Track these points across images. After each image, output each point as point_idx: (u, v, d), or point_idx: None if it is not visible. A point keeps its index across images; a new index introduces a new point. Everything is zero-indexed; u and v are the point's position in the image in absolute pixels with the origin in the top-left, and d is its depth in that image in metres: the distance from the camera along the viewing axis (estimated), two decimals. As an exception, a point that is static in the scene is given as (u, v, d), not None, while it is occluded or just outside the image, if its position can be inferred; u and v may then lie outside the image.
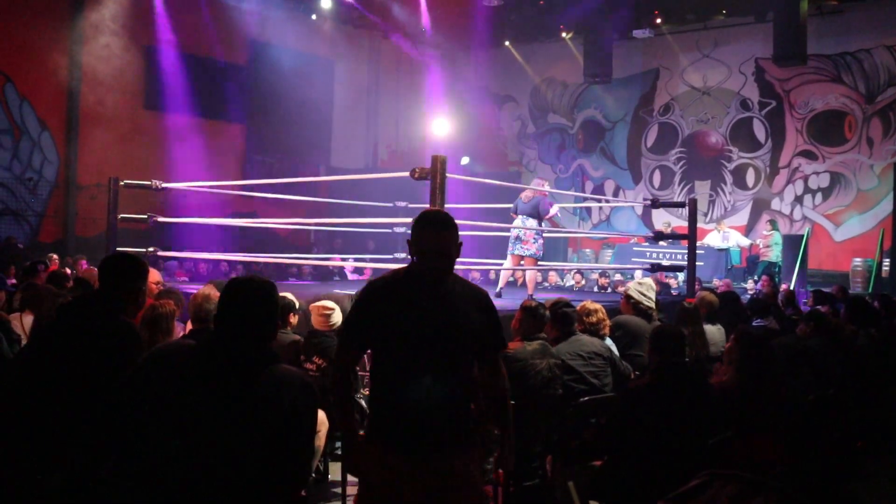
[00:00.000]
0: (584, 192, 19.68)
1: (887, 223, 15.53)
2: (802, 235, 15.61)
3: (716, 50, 18.55)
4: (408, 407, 2.94)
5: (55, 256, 11.08)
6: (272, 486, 2.41)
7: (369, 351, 3.27)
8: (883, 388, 5.14)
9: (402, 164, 16.00)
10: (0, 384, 3.34)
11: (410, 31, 19.02)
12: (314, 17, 17.95)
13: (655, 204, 10.47)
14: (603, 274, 14.80)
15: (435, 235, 2.99)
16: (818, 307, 8.08)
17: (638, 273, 12.46)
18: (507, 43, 20.39)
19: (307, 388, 2.51)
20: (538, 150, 21.34)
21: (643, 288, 6.26)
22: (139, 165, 14.50)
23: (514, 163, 21.52)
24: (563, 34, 19.47)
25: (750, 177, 18.15)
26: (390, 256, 10.20)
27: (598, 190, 20.06)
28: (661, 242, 15.58)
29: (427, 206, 6.38)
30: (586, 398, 4.93)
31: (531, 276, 9.62)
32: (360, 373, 5.87)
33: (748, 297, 11.59)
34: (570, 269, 15.29)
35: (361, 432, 3.12)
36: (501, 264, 9.74)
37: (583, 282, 15.10)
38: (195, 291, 4.94)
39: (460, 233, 3.06)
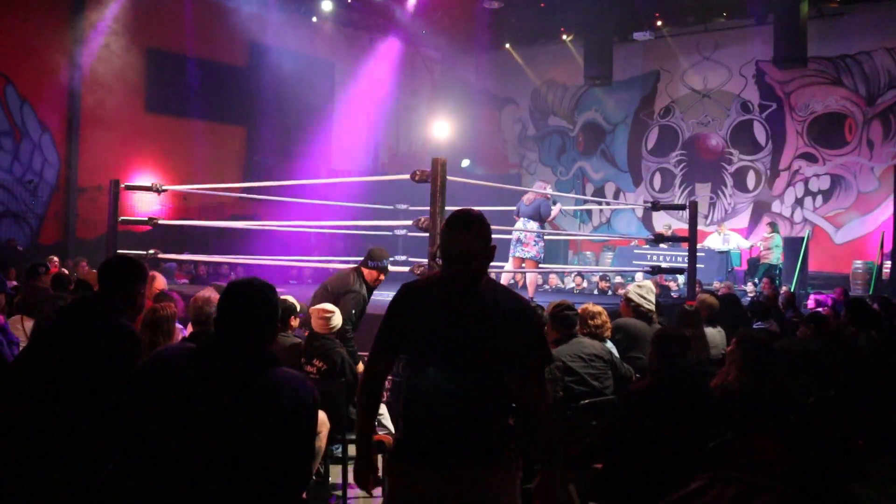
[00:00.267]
0: (584, 194, 19.70)
1: (887, 225, 15.53)
2: (803, 238, 15.62)
3: (716, 52, 18.56)
4: (432, 418, 2.80)
5: (56, 259, 11.09)
6: (272, 488, 2.41)
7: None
8: (884, 389, 5.14)
9: (402, 167, 16.03)
10: (3, 385, 3.35)
11: (411, 33, 19.04)
12: (315, 19, 17.97)
13: (656, 206, 10.46)
14: (603, 276, 14.80)
15: (453, 237, 2.81)
16: (818, 310, 8.09)
17: (638, 275, 12.46)
18: (507, 45, 20.41)
19: (307, 390, 2.51)
20: (539, 152, 21.34)
21: (643, 291, 6.25)
22: (140, 168, 14.54)
23: (515, 165, 21.53)
24: (564, 36, 19.49)
25: (750, 179, 18.16)
26: (390, 259, 10.19)
27: (599, 192, 20.07)
28: (662, 245, 15.56)
29: (427, 208, 6.38)
30: (587, 401, 4.93)
31: (531, 278, 9.61)
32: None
33: (748, 299, 11.59)
34: (571, 272, 15.28)
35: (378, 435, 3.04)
36: (502, 267, 9.74)
37: (583, 284, 15.10)
38: (195, 294, 4.93)
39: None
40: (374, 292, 6.44)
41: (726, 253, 15.95)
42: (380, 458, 3.50)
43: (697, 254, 9.51)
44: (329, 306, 5.56)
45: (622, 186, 20.00)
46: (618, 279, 14.84)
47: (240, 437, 2.37)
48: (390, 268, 6.60)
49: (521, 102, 21.58)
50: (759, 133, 18.10)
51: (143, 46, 15.60)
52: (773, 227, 15.87)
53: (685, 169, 19.04)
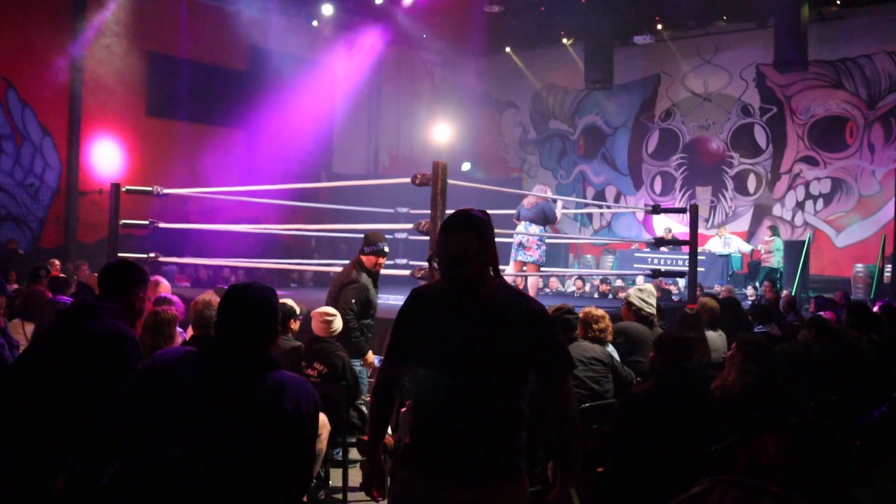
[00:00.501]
0: (585, 197, 19.69)
1: (889, 229, 15.52)
2: (804, 241, 15.61)
3: (717, 56, 18.57)
4: (436, 426, 2.70)
5: (57, 262, 11.08)
6: (273, 491, 2.41)
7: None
8: (885, 393, 5.13)
9: (403, 170, 16.01)
10: (2, 388, 3.35)
11: (411, 37, 19.05)
12: (315, 23, 17.98)
13: (656, 210, 10.47)
14: (604, 280, 14.79)
15: (446, 239, 2.70)
16: (820, 313, 8.08)
17: (639, 279, 12.46)
18: (507, 49, 20.42)
19: (308, 393, 2.51)
20: (539, 155, 21.35)
21: (644, 294, 6.25)
22: (141, 171, 14.55)
23: (516, 169, 21.53)
24: (564, 40, 19.49)
25: (751, 183, 18.16)
26: (391, 262, 10.20)
27: (600, 196, 20.06)
28: (663, 248, 15.56)
29: (428, 211, 6.39)
30: (587, 404, 4.92)
31: (532, 281, 9.60)
32: (369, 379, 5.88)
33: (749, 303, 11.58)
34: (571, 275, 15.28)
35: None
36: (503, 270, 9.74)
37: (584, 288, 15.10)
38: (196, 298, 4.94)
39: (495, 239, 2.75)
40: (391, 298, 6.40)
41: (727, 256, 15.94)
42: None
43: (698, 257, 9.51)
44: (330, 310, 5.57)
45: (623, 190, 20.00)
46: (618, 283, 14.83)
47: (240, 441, 2.37)
48: (393, 272, 6.60)
49: (522, 106, 21.59)
50: (760, 136, 18.10)
51: (143, 50, 15.61)
52: (774, 231, 15.85)
53: (686, 172, 19.04)
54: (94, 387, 3.13)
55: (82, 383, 3.16)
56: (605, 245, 18.67)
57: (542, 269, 9.52)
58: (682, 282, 13.46)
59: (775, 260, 15.27)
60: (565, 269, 16.74)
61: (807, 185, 17.37)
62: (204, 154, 16.09)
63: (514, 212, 9.40)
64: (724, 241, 16.30)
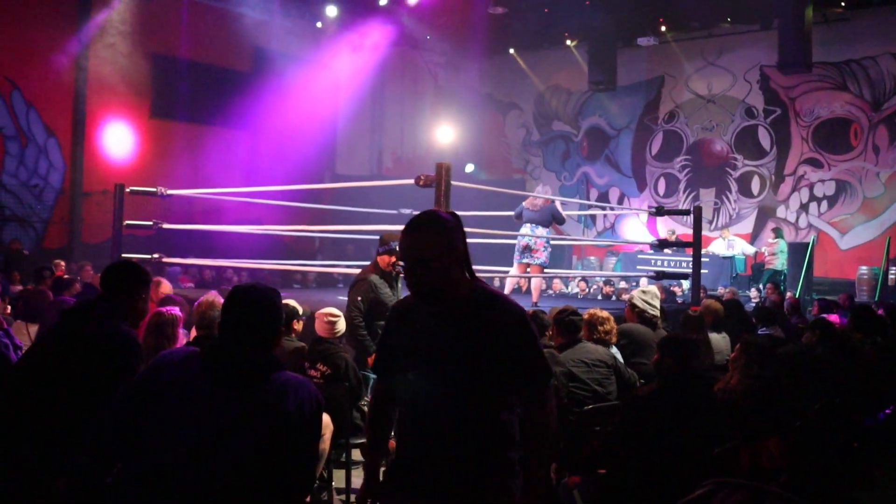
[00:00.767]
0: (588, 199, 19.68)
1: (893, 231, 15.52)
2: (808, 243, 15.58)
3: (721, 58, 18.55)
4: (412, 444, 2.60)
5: (62, 263, 11.10)
6: (276, 492, 2.41)
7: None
8: (889, 395, 5.11)
9: (406, 172, 16.01)
10: (5, 389, 3.36)
11: (415, 38, 19.06)
12: (319, 24, 18.00)
13: (660, 212, 10.46)
14: (608, 282, 14.78)
15: (408, 239, 2.54)
16: (823, 315, 8.06)
17: (643, 281, 12.44)
18: (511, 50, 20.43)
19: (311, 394, 2.51)
20: (543, 157, 21.35)
21: (648, 296, 6.24)
22: (144, 172, 14.57)
23: (519, 170, 21.53)
24: (568, 42, 19.49)
25: (755, 184, 18.14)
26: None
27: (603, 197, 20.05)
28: (666, 250, 15.54)
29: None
30: (591, 406, 4.92)
31: (536, 283, 9.59)
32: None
33: (752, 305, 11.56)
34: (575, 277, 15.26)
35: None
36: (507, 272, 9.72)
37: (587, 289, 15.09)
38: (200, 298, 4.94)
39: (466, 240, 2.72)
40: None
41: (731, 258, 15.93)
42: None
43: (702, 259, 9.49)
44: (333, 310, 5.57)
45: (626, 192, 19.99)
46: (622, 284, 14.82)
47: (243, 441, 2.37)
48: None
49: (526, 107, 21.59)
50: (764, 138, 18.08)
51: (148, 52, 15.64)
52: (778, 233, 15.84)
53: (689, 174, 19.03)
54: (96, 387, 3.13)
55: (84, 384, 3.17)
56: (609, 247, 18.66)
57: (545, 270, 9.51)
58: (685, 283, 13.45)
59: (779, 262, 15.25)
60: (569, 270, 16.73)
61: (811, 186, 17.35)
62: (207, 155, 16.12)
63: (514, 212, 9.33)
64: (728, 243, 16.28)
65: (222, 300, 3.14)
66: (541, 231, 9.07)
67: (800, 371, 5.25)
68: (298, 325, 5.62)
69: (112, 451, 2.53)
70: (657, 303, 6.27)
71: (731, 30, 18.09)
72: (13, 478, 3.13)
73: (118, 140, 15.43)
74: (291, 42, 17.16)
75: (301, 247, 16.58)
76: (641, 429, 3.84)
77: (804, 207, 17.40)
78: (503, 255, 9.96)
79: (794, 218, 17.49)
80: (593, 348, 5.25)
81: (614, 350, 5.53)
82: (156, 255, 8.33)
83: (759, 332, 7.07)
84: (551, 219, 9.15)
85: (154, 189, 8.29)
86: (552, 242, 9.53)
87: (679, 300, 13.17)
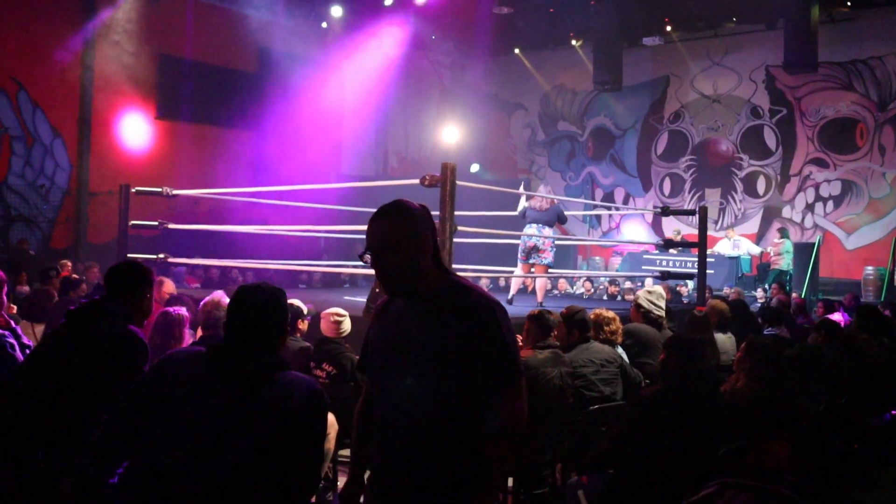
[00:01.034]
0: (593, 199, 19.66)
1: (899, 231, 15.47)
2: (813, 244, 15.54)
3: (726, 57, 18.51)
4: (383, 448, 2.52)
5: (68, 263, 11.12)
6: (281, 491, 2.41)
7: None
8: (895, 397, 5.11)
9: (411, 172, 16.03)
10: (11, 389, 3.37)
11: (420, 38, 19.06)
12: (324, 24, 18.01)
13: (665, 212, 10.45)
14: (613, 282, 14.77)
15: (370, 228, 2.45)
16: (827, 316, 8.05)
17: (648, 281, 12.42)
18: (516, 50, 20.41)
19: (316, 394, 2.51)
20: (548, 157, 21.33)
21: (653, 297, 6.24)
22: (150, 172, 14.60)
23: (524, 170, 21.50)
24: (573, 42, 19.48)
25: (760, 185, 18.10)
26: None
27: (608, 198, 20.03)
28: (671, 250, 15.53)
29: (437, 213, 6.38)
30: (596, 406, 4.92)
31: (541, 283, 9.59)
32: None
33: (758, 306, 11.55)
34: (580, 277, 15.25)
35: None
36: (511, 271, 9.72)
37: (592, 289, 15.08)
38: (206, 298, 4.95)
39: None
40: None
41: (736, 259, 15.89)
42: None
43: (707, 259, 9.48)
44: (339, 310, 5.57)
45: (632, 192, 19.96)
46: (627, 284, 14.81)
47: (249, 441, 2.37)
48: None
49: (531, 107, 21.58)
50: (770, 138, 18.04)
51: (153, 52, 15.67)
52: (784, 233, 15.80)
53: (695, 174, 19.00)
54: (101, 387, 3.14)
55: (90, 383, 3.18)
56: (614, 247, 18.64)
57: (550, 270, 9.51)
58: (691, 283, 13.43)
59: (785, 262, 15.21)
60: (574, 270, 16.72)
61: (817, 187, 17.30)
62: (213, 155, 16.15)
63: (518, 212, 9.31)
64: (734, 244, 16.25)
65: (228, 300, 3.14)
66: (547, 231, 9.06)
67: (805, 372, 5.24)
68: (303, 325, 5.63)
69: (117, 450, 2.53)
70: (663, 303, 6.27)
71: (736, 29, 18.05)
72: (19, 477, 3.14)
73: (124, 140, 15.47)
74: (297, 42, 17.18)
75: (307, 247, 16.60)
76: (647, 429, 3.83)
77: (810, 207, 17.36)
78: (508, 256, 9.96)
79: (800, 218, 17.45)
80: (602, 348, 5.25)
81: (620, 350, 5.53)
82: (161, 256, 8.34)
83: (766, 332, 7.07)
84: (556, 219, 9.15)
85: (160, 189, 8.30)
86: (556, 243, 9.53)
87: (685, 300, 13.16)
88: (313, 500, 4.29)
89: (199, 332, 4.89)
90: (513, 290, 9.66)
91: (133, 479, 2.42)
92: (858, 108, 16.86)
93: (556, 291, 14.77)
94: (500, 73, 21.27)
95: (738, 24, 17.79)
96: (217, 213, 14.71)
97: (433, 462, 2.39)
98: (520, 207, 9.30)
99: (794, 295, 12.44)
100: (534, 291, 10.10)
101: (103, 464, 2.55)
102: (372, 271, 2.53)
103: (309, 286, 14.14)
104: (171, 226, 8.85)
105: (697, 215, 9.33)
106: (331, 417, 4.85)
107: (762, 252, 16.51)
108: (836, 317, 8.75)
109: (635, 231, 19.60)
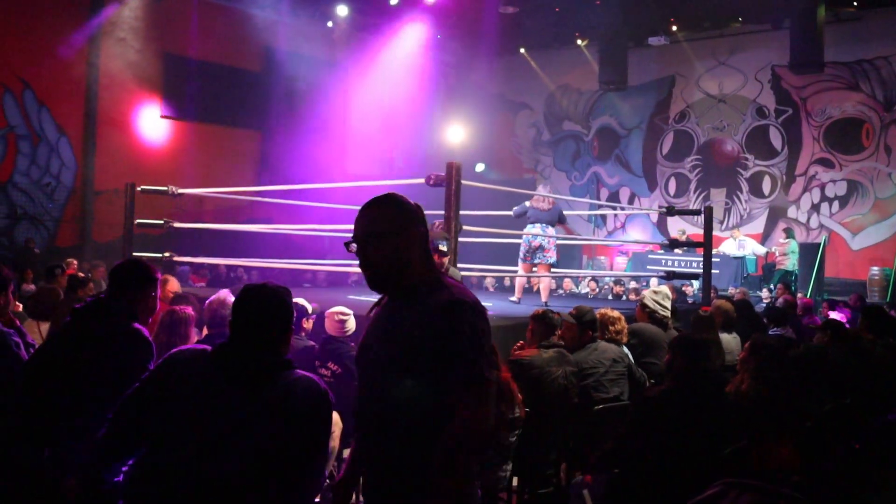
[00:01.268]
0: (599, 199, 19.66)
1: (905, 232, 15.43)
2: (819, 244, 15.52)
3: (732, 57, 18.49)
4: (360, 452, 2.49)
5: (74, 261, 11.16)
6: (286, 490, 2.41)
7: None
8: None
9: (417, 171, 16.01)
10: (16, 387, 3.38)
11: (426, 38, 19.06)
12: (330, 24, 18.02)
13: (671, 211, 10.44)
14: (618, 281, 14.75)
15: (359, 217, 2.41)
16: (830, 315, 8.03)
17: (653, 281, 12.41)
18: (522, 50, 20.41)
19: (321, 393, 2.51)
20: (553, 157, 21.32)
21: (658, 297, 6.23)
22: (155, 171, 14.62)
23: (529, 170, 21.51)
24: (579, 41, 19.47)
25: (766, 185, 18.07)
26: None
27: (614, 197, 20.02)
28: (677, 250, 15.51)
29: (442, 212, 6.37)
30: (601, 406, 4.92)
31: (546, 283, 9.57)
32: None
33: (763, 306, 11.52)
34: (585, 277, 15.24)
35: None
36: (516, 271, 9.71)
37: (598, 289, 15.06)
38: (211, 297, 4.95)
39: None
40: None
41: (741, 259, 15.86)
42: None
43: (712, 259, 9.47)
44: (344, 309, 5.57)
45: (637, 191, 19.95)
46: (632, 284, 14.80)
47: (254, 439, 2.37)
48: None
49: (536, 107, 21.58)
50: (775, 138, 18.01)
51: (159, 51, 15.71)
52: (789, 233, 15.78)
53: (700, 174, 18.97)
54: (107, 385, 3.15)
55: (95, 381, 3.18)
56: (619, 246, 18.63)
57: (554, 269, 9.49)
58: (696, 283, 13.41)
59: (790, 262, 15.18)
60: (579, 270, 16.71)
61: (822, 187, 17.27)
62: (218, 154, 16.17)
63: (517, 211, 9.27)
64: (739, 244, 16.22)
65: (233, 299, 3.15)
66: (551, 231, 9.05)
67: (810, 372, 5.23)
68: (308, 324, 5.63)
69: (122, 448, 2.54)
70: (668, 303, 6.26)
71: (742, 29, 18.02)
72: (25, 476, 3.15)
73: (129, 139, 15.50)
74: (302, 42, 17.19)
75: (311, 246, 16.61)
76: (653, 429, 3.83)
77: (815, 208, 17.32)
78: (512, 255, 9.95)
79: (806, 218, 17.42)
80: (608, 347, 5.26)
81: (625, 349, 5.53)
82: (167, 254, 8.36)
83: (771, 333, 7.05)
84: (558, 219, 9.14)
85: (165, 188, 8.32)
86: (561, 243, 9.51)
87: (690, 300, 13.14)
88: (318, 499, 4.30)
89: (205, 331, 4.89)
90: (518, 291, 9.64)
91: (138, 477, 2.43)
92: (864, 108, 16.82)
93: (560, 291, 14.76)
94: (506, 72, 21.26)
95: (743, 23, 17.77)
96: (222, 211, 14.74)
97: (391, 461, 2.32)
98: (516, 209, 9.25)
99: (800, 295, 12.42)
100: (537, 290, 10.08)
101: (108, 462, 2.55)
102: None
103: (314, 285, 14.14)
104: (177, 224, 8.86)
105: (703, 215, 9.32)
106: (335, 416, 4.85)
107: (767, 252, 16.48)
108: (837, 315, 8.75)
109: (640, 231, 19.58)
